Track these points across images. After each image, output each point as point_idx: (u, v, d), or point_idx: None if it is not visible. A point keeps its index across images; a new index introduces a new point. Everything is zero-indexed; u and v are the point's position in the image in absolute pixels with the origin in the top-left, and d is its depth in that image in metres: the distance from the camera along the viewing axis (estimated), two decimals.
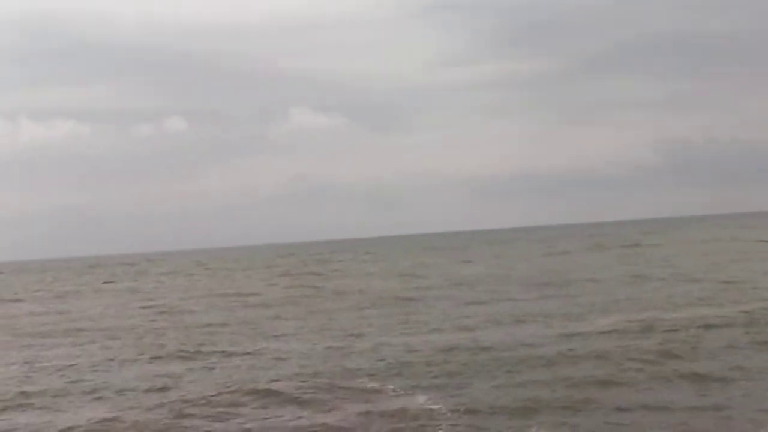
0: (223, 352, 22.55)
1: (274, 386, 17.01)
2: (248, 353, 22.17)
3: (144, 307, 38.94)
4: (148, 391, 17.53)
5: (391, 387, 16.76)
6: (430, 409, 14.78)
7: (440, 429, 13.56)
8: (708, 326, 22.39)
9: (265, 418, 14.66)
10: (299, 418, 14.70)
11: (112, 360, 22.21)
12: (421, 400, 15.57)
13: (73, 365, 21.53)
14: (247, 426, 14.19)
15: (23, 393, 17.90)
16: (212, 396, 16.34)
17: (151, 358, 22.15)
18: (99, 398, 17.07)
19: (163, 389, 17.61)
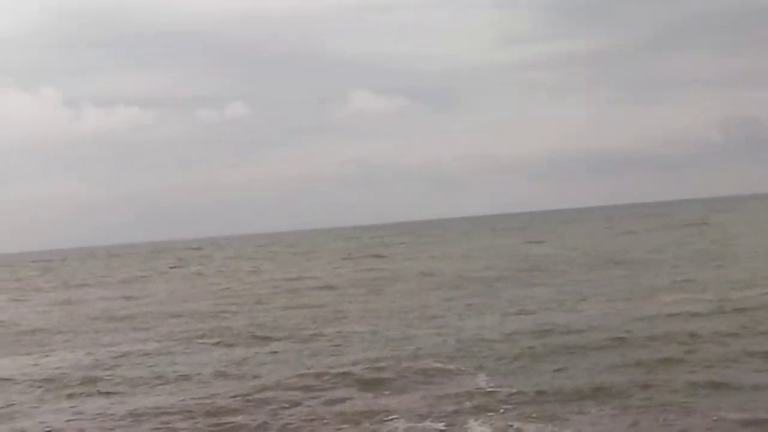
0: (289, 336, 22.58)
1: (340, 369, 16.98)
2: (313, 336, 22.21)
3: (209, 292, 39.28)
4: (215, 375, 17.58)
5: (453, 369, 16.68)
6: (493, 392, 14.65)
7: (502, 412, 13.41)
8: None
9: (332, 402, 14.64)
10: (364, 400, 14.69)
11: (178, 344, 22.36)
12: (483, 382, 15.47)
13: (139, 350, 21.73)
14: (316, 410, 14.17)
15: (89, 378, 18.08)
16: (279, 380, 16.36)
17: (218, 342, 22.26)
18: (166, 383, 17.17)
19: (229, 374, 17.64)
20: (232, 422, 13.66)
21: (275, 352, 19.97)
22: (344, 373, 16.54)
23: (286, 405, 14.46)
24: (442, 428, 12.85)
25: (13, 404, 16.02)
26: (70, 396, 16.49)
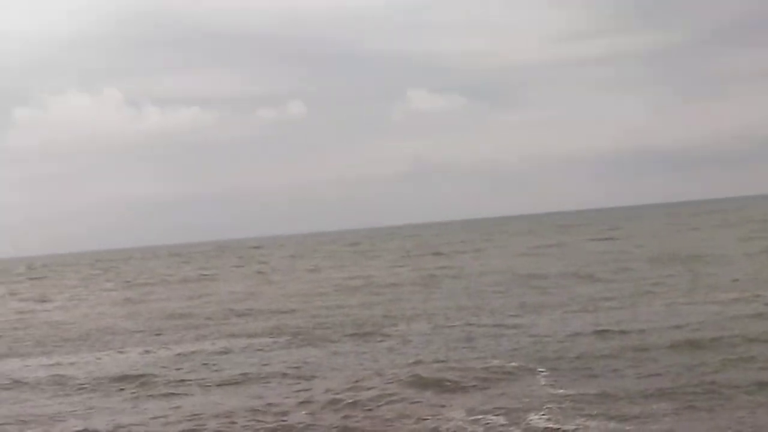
0: (350, 335, 22.42)
1: (401, 369, 16.84)
2: (373, 335, 22.13)
3: (270, 291, 39.33)
4: (275, 375, 17.44)
5: (515, 366, 16.47)
6: (554, 389, 14.46)
7: (563, 408, 13.15)
8: None
9: (392, 400, 14.46)
10: (424, 397, 14.53)
11: (238, 343, 22.38)
12: (544, 380, 15.30)
13: (200, 349, 21.81)
14: (376, 408, 14.02)
15: (150, 377, 18.06)
16: (339, 380, 16.24)
17: (278, 342, 22.19)
18: (226, 383, 17.11)
19: (290, 374, 17.47)
20: (293, 422, 13.53)
21: (336, 353, 19.82)
22: (405, 372, 16.39)
23: (348, 404, 14.30)
24: (503, 422, 12.69)
25: (74, 404, 16.12)
26: (131, 396, 16.54)
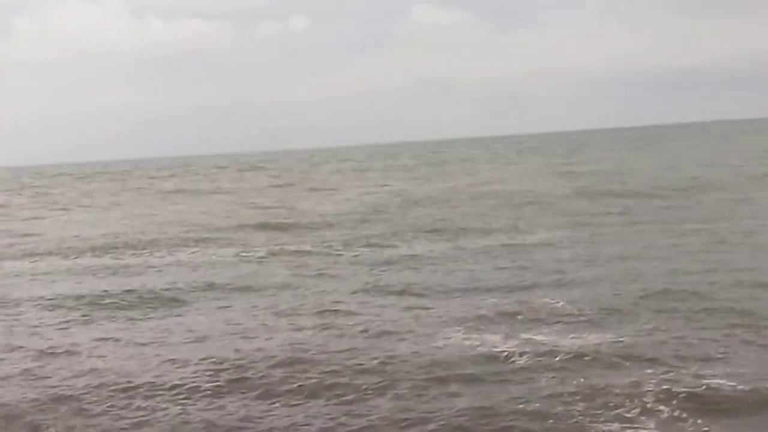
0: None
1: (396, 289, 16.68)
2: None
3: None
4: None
5: (520, 288, 16.25)
6: (556, 307, 14.30)
7: (560, 329, 12.93)
8: None
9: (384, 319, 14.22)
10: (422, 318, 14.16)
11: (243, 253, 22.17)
12: (545, 300, 14.97)
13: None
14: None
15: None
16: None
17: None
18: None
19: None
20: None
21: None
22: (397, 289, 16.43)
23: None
24: (498, 339, 12.49)
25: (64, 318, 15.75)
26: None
